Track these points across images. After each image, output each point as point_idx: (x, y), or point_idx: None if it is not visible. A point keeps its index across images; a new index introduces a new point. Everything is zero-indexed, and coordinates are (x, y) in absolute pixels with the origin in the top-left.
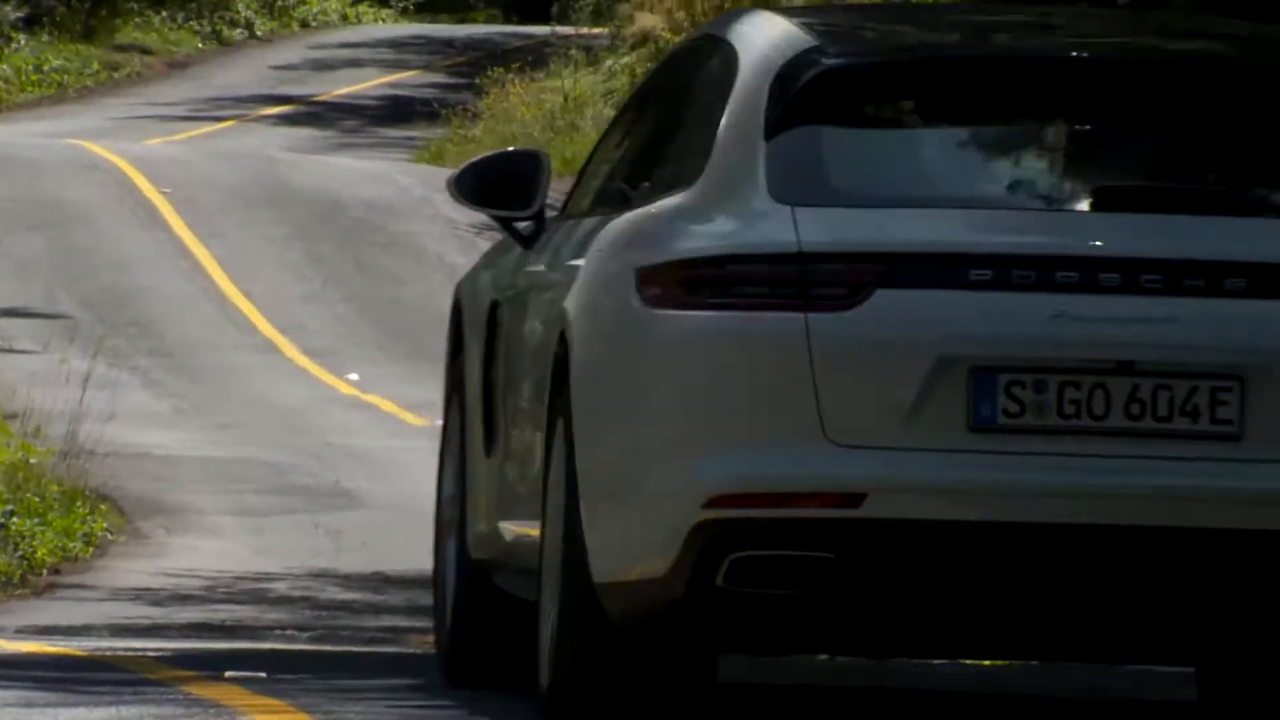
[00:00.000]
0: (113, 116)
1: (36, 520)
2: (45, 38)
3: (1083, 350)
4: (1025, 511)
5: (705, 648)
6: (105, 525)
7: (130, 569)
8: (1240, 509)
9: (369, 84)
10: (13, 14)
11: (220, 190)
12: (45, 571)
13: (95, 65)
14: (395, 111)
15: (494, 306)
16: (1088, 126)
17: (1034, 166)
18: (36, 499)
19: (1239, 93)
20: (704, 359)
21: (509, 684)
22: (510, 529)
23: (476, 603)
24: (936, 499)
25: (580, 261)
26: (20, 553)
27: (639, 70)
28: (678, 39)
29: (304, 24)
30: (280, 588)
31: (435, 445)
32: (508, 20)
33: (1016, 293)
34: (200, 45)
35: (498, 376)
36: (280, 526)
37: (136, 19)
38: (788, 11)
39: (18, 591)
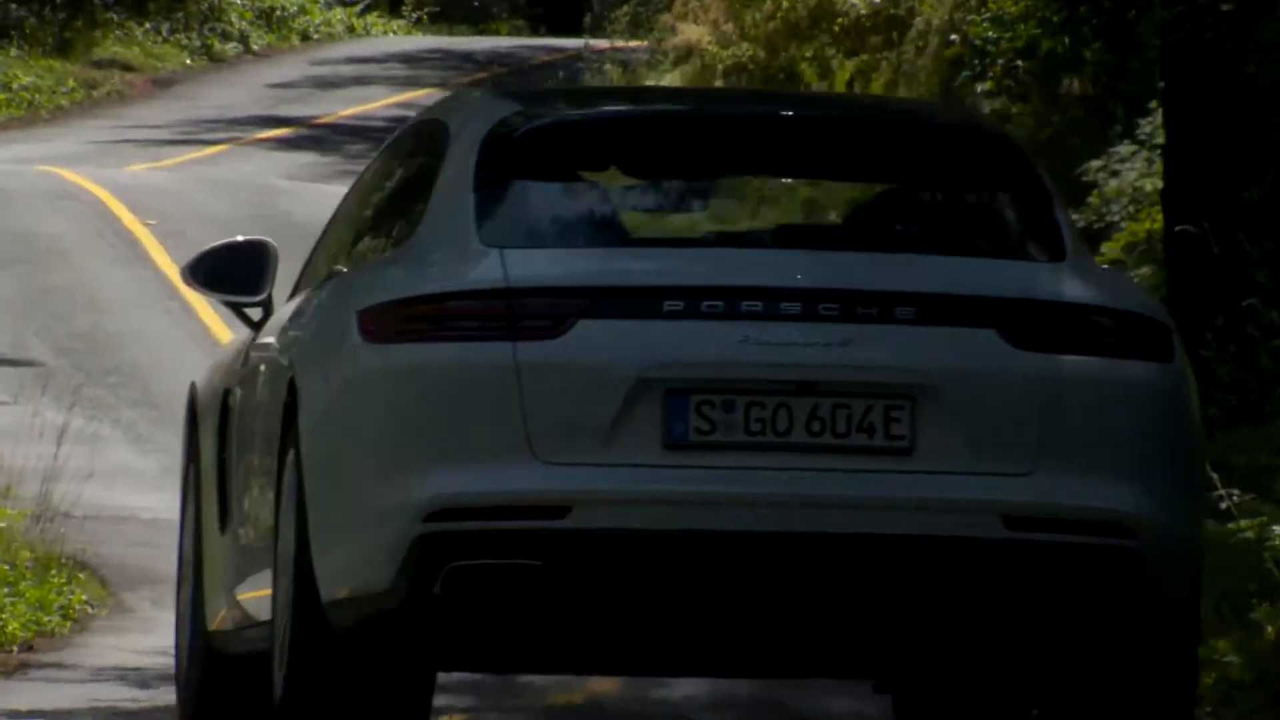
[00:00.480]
0: (90, 140)
1: (7, 590)
2: (14, 52)
3: (767, 372)
4: (715, 520)
5: (427, 660)
6: (84, 597)
7: (113, 645)
8: (912, 516)
9: (378, 104)
10: None
11: (211, 223)
12: (16, 648)
13: (70, 83)
14: None
15: (225, 394)
16: (772, 174)
17: (720, 210)
18: (6, 567)
19: (900, 144)
20: (421, 386)
21: None
22: (249, 595)
23: (207, 675)
24: (635, 510)
25: (305, 321)
26: None
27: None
28: (725, 53)
29: (305, 37)
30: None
31: None
32: (535, 32)
33: (705, 321)
34: (189, 61)
35: (231, 454)
36: None
37: (116, 31)
38: (495, 91)
39: None
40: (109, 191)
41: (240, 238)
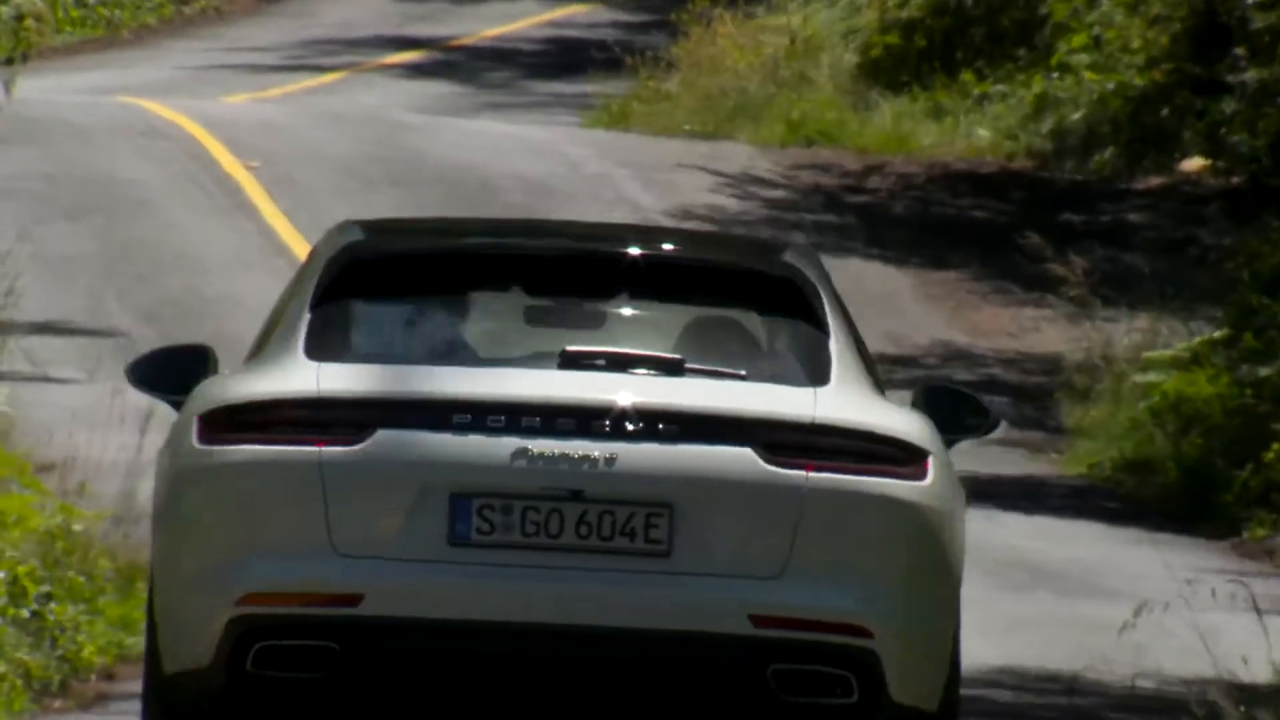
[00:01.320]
0: (181, 66)
1: (82, 607)
2: None
3: (541, 481)
4: (492, 612)
5: None
6: None
7: None
8: (668, 613)
9: (526, 22)
10: None
11: (327, 164)
12: (94, 675)
13: None
14: (562, 60)
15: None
16: (560, 304)
17: (509, 334)
18: (81, 579)
19: (692, 281)
20: (239, 482)
21: None
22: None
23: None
24: (419, 600)
25: (175, 422)
26: (60, 651)
27: (892, 3)
28: None
29: None
30: None
31: None
32: None
33: (488, 434)
34: None
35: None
36: None
37: None
38: (356, 222)
39: (58, 703)
40: (203, 127)
41: (181, 344)
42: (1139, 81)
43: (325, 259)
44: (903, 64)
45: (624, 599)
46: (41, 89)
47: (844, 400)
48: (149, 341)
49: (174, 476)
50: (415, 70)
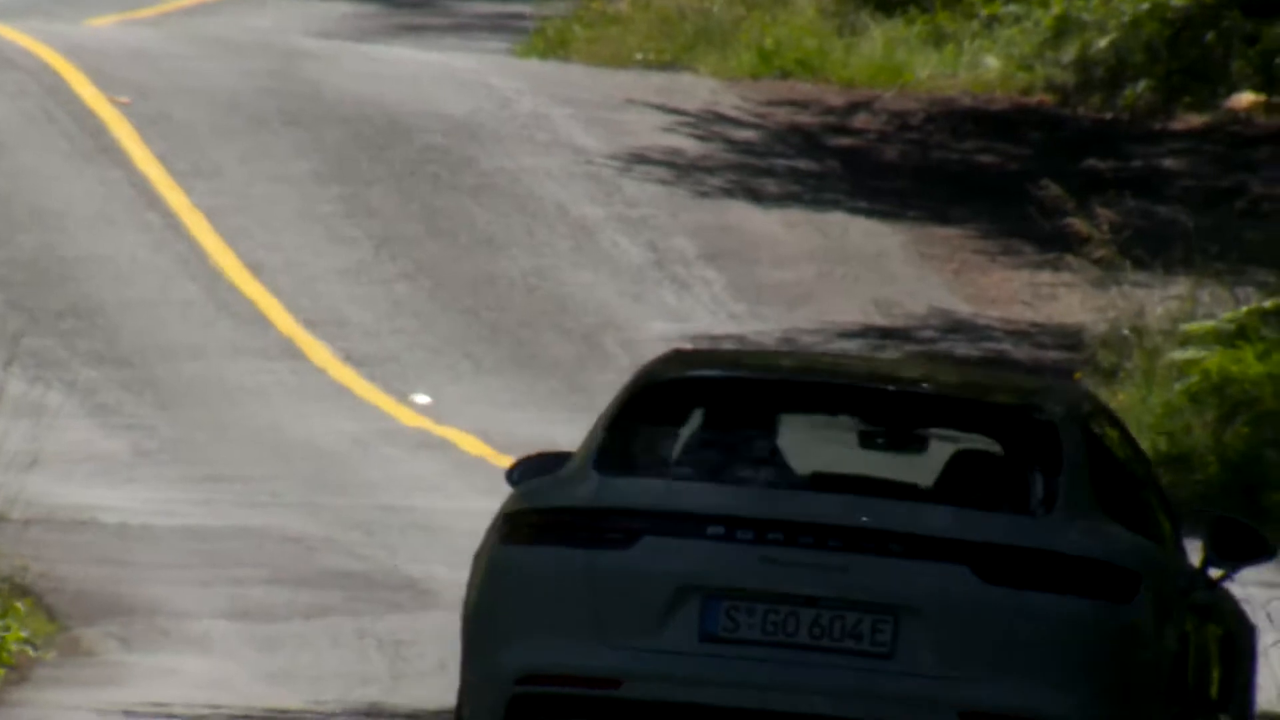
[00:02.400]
0: None
1: None
2: None
3: (782, 588)
4: (734, 699)
5: None
6: (24, 634)
7: (65, 703)
8: (887, 706)
9: None
10: None
11: (210, 101)
12: None
13: None
14: None
15: None
16: (843, 436)
17: (766, 457)
18: None
19: (950, 418)
20: (525, 579)
21: None
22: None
23: None
24: (671, 685)
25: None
26: None
27: None
28: None
29: None
30: None
31: None
32: None
33: (738, 544)
34: None
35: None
36: (306, 637)
37: None
38: (694, 353)
39: None
40: (63, 55)
41: (558, 451)
42: (1179, 1)
43: (629, 386)
44: None
45: (851, 693)
46: None
47: (1061, 528)
48: (0, 312)
49: (477, 565)
50: None
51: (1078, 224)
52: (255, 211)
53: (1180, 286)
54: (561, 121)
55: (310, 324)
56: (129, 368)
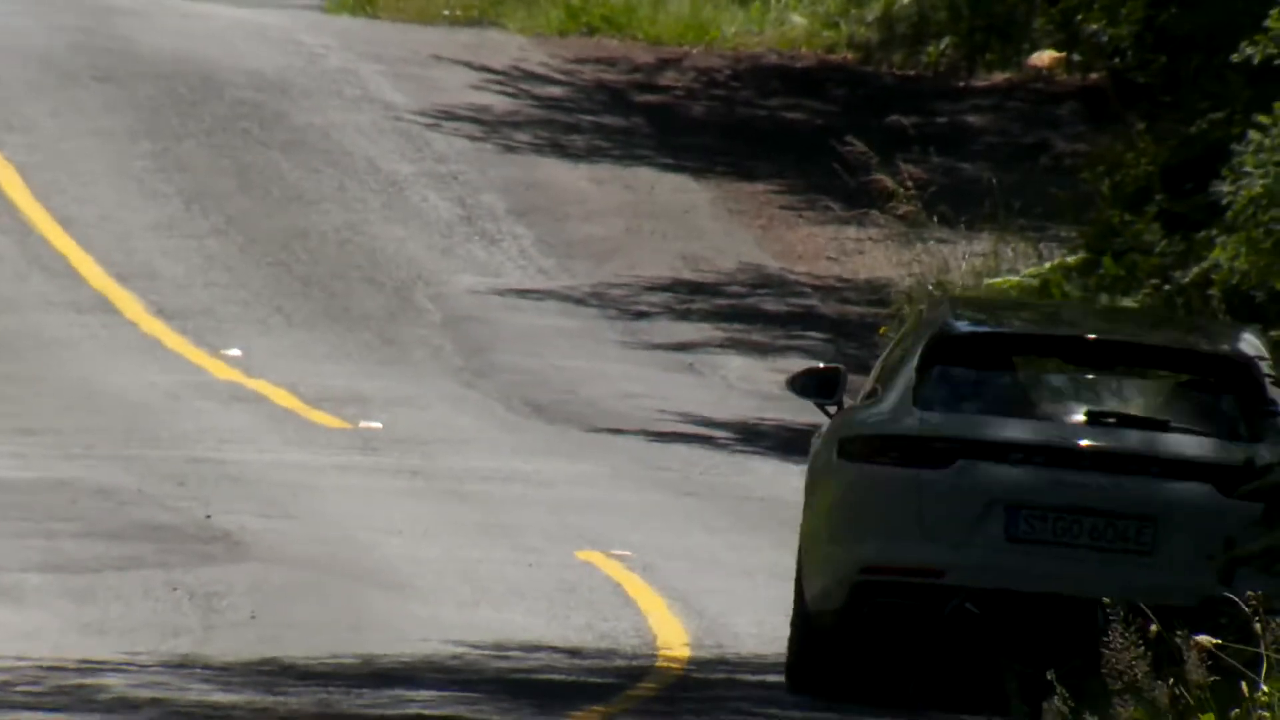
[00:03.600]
0: None
1: None
2: None
3: (1068, 501)
4: (1030, 585)
5: (859, 648)
6: None
7: None
8: (1149, 593)
9: None
10: None
11: (21, 56)
12: None
13: None
14: None
15: (814, 453)
16: (1096, 378)
17: (1055, 397)
18: None
19: (1178, 364)
20: (864, 490)
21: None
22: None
23: (807, 637)
24: (985, 574)
25: (825, 434)
26: None
27: None
28: None
29: None
30: (117, 685)
31: (363, 456)
32: None
33: (1034, 468)
34: None
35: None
36: (118, 589)
37: None
38: (954, 300)
39: None
40: None
41: (823, 365)
42: None
43: (926, 335)
44: None
45: (1120, 582)
46: None
47: (1275, 450)
48: None
49: (820, 476)
50: None
51: (883, 180)
52: (67, 166)
53: (985, 242)
54: (370, 77)
55: (122, 278)
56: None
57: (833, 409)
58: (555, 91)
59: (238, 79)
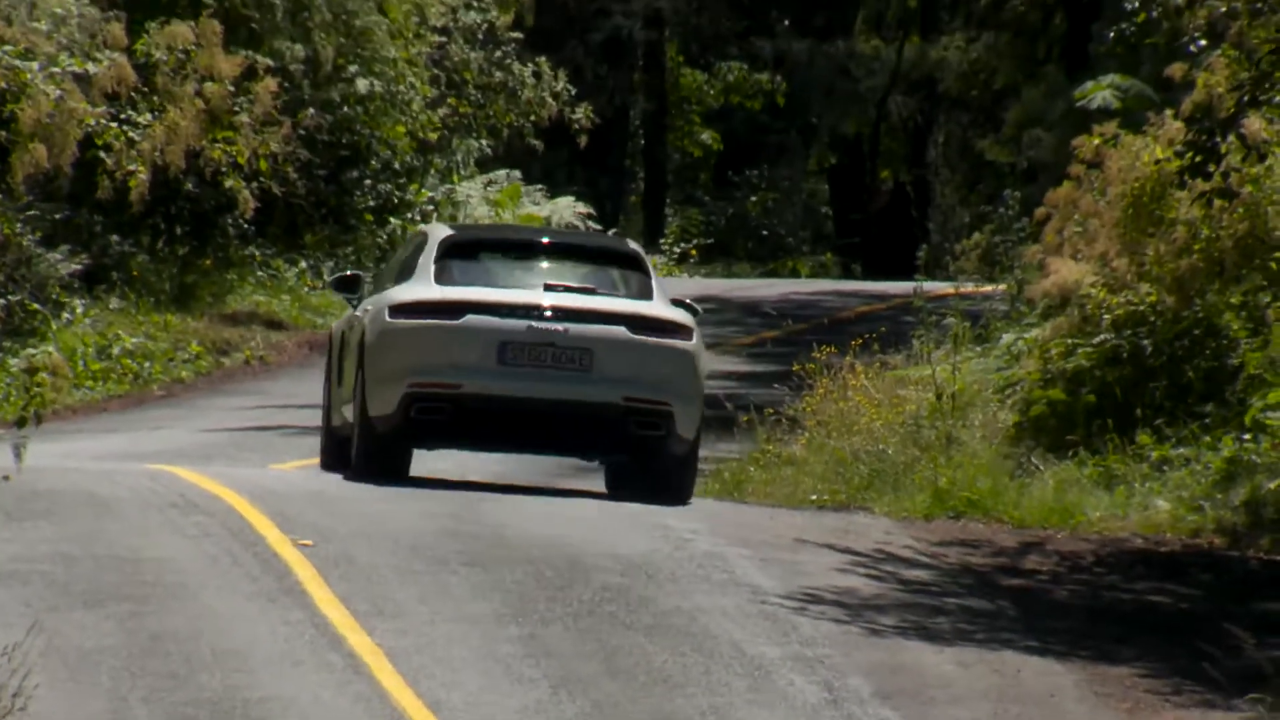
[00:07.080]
0: (220, 427)
1: None
2: (114, 302)
3: (537, 339)
4: (516, 392)
5: (407, 444)
6: None
7: None
8: (589, 395)
9: None
10: (63, 264)
11: (392, 542)
12: None
13: (194, 346)
14: None
15: (341, 333)
16: (550, 265)
17: (525, 276)
18: None
19: (594, 258)
20: (409, 336)
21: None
22: (344, 412)
23: (332, 446)
24: (487, 387)
25: (370, 309)
26: None
27: (1056, 353)
28: (1117, 300)
29: None
30: None
31: None
32: (847, 274)
33: (514, 318)
34: None
35: (339, 357)
36: None
37: (258, 272)
38: (445, 225)
39: None
40: (247, 499)
41: (350, 273)
42: None
43: (437, 240)
44: (1068, 423)
45: (571, 389)
46: (57, 454)
47: (657, 305)
48: None
49: (378, 331)
50: None
51: (1260, 663)
52: (435, 651)
53: None
54: (737, 561)
55: None
56: None
57: (355, 301)
58: (920, 575)
59: (604, 563)
